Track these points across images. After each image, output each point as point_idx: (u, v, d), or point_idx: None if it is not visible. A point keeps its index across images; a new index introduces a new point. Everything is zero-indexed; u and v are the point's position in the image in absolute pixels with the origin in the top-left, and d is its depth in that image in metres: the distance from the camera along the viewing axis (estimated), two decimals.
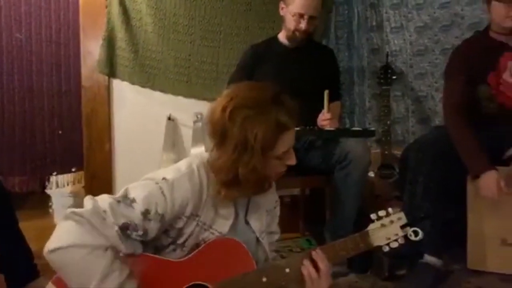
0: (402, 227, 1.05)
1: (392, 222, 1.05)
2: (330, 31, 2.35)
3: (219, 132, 0.93)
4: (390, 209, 1.08)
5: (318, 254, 0.98)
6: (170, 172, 0.94)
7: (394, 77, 2.24)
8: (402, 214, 1.07)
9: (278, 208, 1.16)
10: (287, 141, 0.95)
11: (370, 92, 2.35)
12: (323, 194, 2.05)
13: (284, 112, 0.94)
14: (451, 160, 1.60)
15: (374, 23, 2.34)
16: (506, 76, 1.60)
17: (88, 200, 0.87)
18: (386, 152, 2.15)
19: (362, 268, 1.64)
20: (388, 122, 2.15)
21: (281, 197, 2.27)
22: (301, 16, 1.75)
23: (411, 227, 1.05)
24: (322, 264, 0.97)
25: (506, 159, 1.57)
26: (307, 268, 0.97)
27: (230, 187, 0.95)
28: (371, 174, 2.09)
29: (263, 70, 1.84)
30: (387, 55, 2.28)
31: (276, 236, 1.16)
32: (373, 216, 1.07)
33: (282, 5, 1.84)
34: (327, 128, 1.69)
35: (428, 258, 1.56)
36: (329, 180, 1.75)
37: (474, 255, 1.61)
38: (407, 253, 1.48)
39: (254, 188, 0.98)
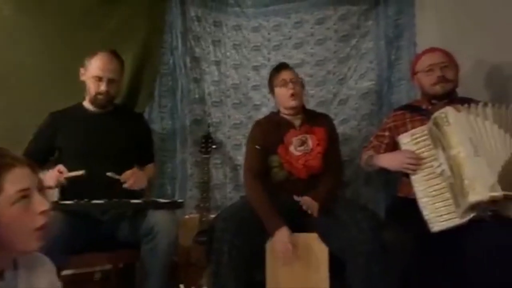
0: None
1: None
2: (154, 100, 2.41)
3: None
4: (181, 285, 1.08)
5: None
6: None
7: (214, 146, 2.40)
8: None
9: None
10: (13, 180, 0.86)
11: (192, 160, 2.45)
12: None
13: None
14: (254, 227, 1.74)
15: (197, 96, 2.52)
16: (291, 149, 1.88)
17: None
18: (204, 219, 2.22)
19: None
20: (208, 188, 2.24)
21: (91, 274, 2.08)
22: (100, 79, 1.80)
23: None
24: None
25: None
26: None
27: None
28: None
29: (65, 136, 1.77)
30: (209, 126, 2.45)
31: None
32: None
33: (82, 70, 1.87)
34: (134, 200, 1.65)
35: None
36: (138, 254, 1.67)
37: None
38: None
39: None
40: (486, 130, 1.39)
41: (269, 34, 2.58)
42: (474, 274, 1.37)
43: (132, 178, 1.70)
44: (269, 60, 2.56)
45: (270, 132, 1.91)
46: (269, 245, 1.78)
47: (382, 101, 2.36)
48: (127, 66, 2.06)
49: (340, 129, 2.37)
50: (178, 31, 2.49)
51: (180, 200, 1.76)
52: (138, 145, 1.92)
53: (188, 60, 2.50)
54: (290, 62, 2.42)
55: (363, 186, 2.32)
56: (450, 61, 1.75)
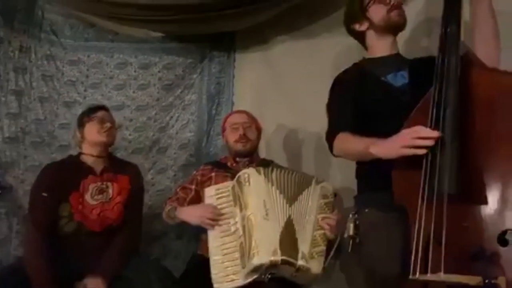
0: None
1: None
2: None
3: None
4: None
5: None
6: None
7: None
8: None
9: None
10: None
11: None
12: None
13: None
14: None
15: None
16: (87, 197, 1.68)
17: None
18: None
19: None
20: None
21: None
22: None
23: None
24: None
25: None
26: None
27: None
28: None
29: None
30: None
31: None
32: None
33: None
34: None
35: None
36: None
37: None
38: None
39: None
40: (275, 195, 1.49)
41: (88, 70, 2.37)
42: None
43: None
44: (85, 97, 2.34)
45: (63, 177, 1.69)
46: None
47: (200, 153, 2.37)
48: None
49: (156, 179, 2.29)
50: None
51: None
52: None
53: None
54: (109, 103, 2.27)
55: (174, 240, 2.22)
56: (252, 123, 1.89)
